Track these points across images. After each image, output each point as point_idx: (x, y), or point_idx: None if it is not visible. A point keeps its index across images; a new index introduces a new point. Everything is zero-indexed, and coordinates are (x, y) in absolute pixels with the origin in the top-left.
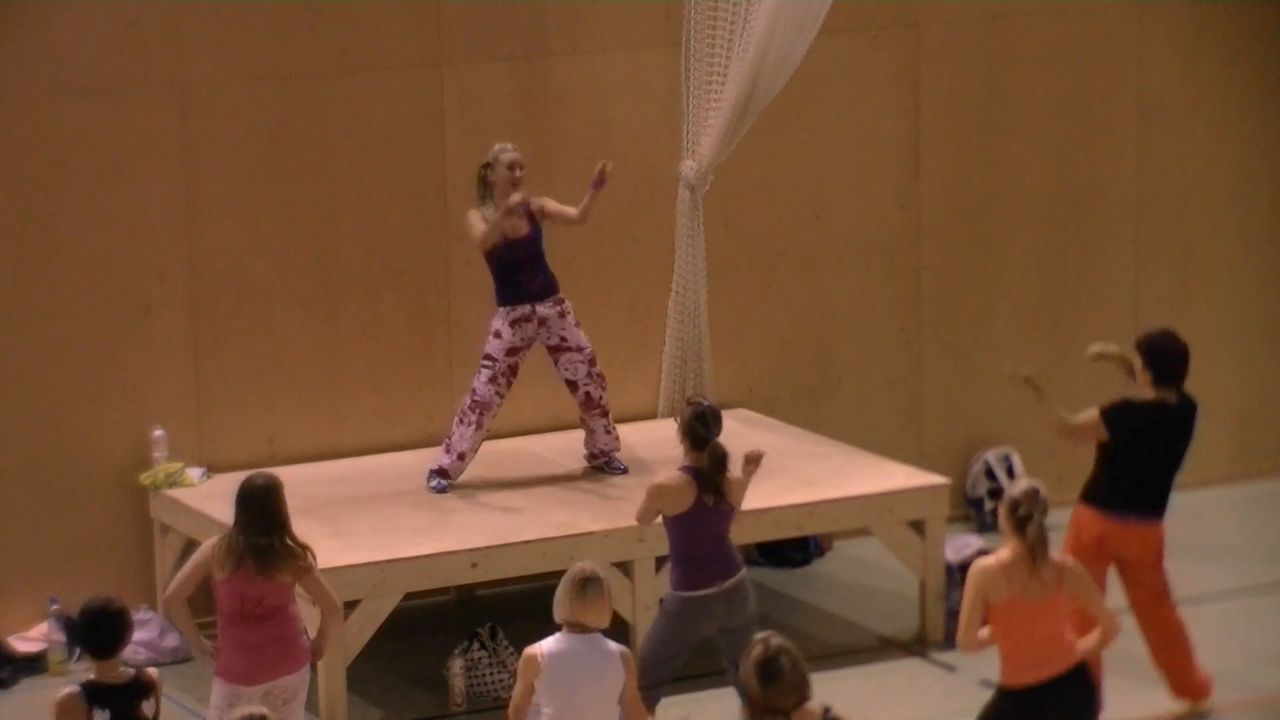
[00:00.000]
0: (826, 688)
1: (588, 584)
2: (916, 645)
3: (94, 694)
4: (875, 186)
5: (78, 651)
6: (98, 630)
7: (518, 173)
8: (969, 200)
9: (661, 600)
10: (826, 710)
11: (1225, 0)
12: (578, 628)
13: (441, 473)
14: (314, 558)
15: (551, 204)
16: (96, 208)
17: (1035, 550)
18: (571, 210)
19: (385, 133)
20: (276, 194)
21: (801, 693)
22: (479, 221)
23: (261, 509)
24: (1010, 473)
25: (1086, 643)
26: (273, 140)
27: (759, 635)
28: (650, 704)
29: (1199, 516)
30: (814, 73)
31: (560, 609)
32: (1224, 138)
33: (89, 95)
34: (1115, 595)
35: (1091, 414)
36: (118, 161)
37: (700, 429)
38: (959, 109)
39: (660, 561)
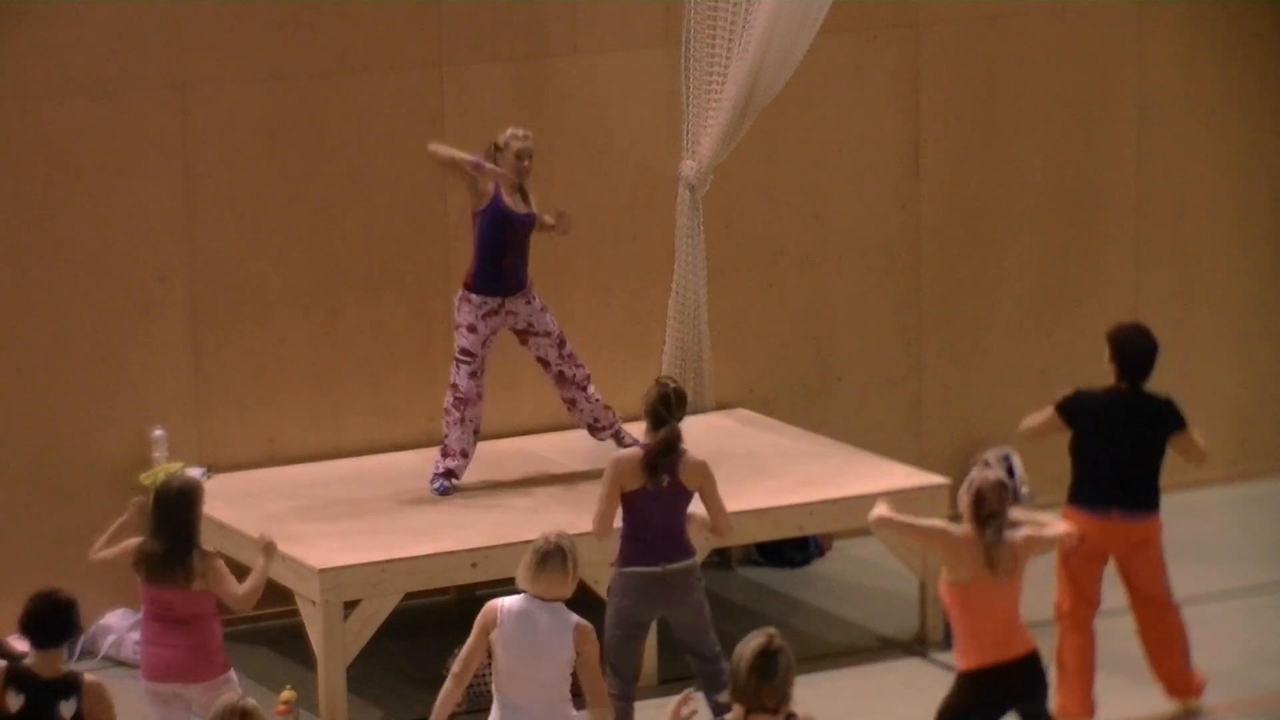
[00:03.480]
0: (826, 688)
1: (548, 558)
2: (916, 645)
3: (15, 677)
4: (875, 186)
5: (78, 650)
6: (36, 619)
7: (526, 163)
8: (969, 200)
9: (609, 586)
10: (789, 716)
11: (1225, 0)
12: (538, 597)
13: (447, 474)
14: (214, 565)
15: (548, 219)
16: (96, 208)
17: (991, 549)
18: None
19: (385, 133)
20: (276, 194)
21: (782, 698)
22: (472, 160)
23: (169, 516)
24: (1010, 473)
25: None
26: (273, 140)
27: (764, 629)
28: (622, 691)
29: (1199, 516)
30: (814, 73)
31: (520, 579)
32: (1224, 138)
33: (89, 95)
34: (1113, 596)
35: (1047, 409)
36: (118, 161)
37: (662, 411)
38: (959, 109)
39: None
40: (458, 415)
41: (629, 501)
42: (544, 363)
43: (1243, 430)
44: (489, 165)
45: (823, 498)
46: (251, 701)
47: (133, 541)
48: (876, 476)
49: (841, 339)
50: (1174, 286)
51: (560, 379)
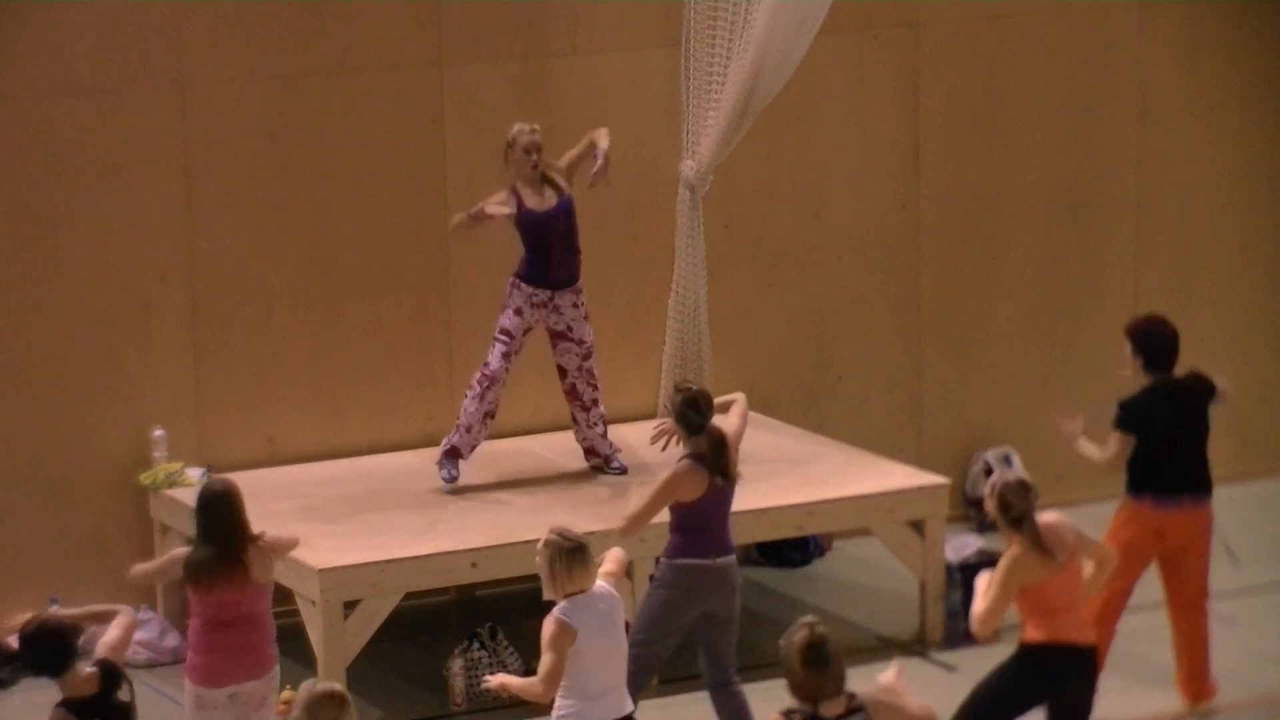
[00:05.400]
0: None
1: (576, 553)
2: (916, 645)
3: (78, 710)
4: (875, 186)
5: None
6: (40, 653)
7: (535, 157)
8: (969, 200)
9: (652, 576)
10: (851, 697)
11: (1225, 0)
12: (576, 594)
13: (452, 452)
14: (269, 540)
15: (569, 155)
16: (96, 208)
17: (1038, 541)
18: (586, 145)
19: (385, 133)
20: (276, 194)
21: (840, 681)
22: (489, 204)
23: (218, 520)
24: (1006, 468)
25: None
26: (273, 140)
27: (804, 619)
28: (636, 690)
29: None
30: (814, 73)
31: (554, 588)
32: (1224, 138)
33: (89, 95)
34: (1140, 592)
35: (1114, 438)
36: (118, 161)
37: (693, 415)
38: (959, 109)
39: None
40: (479, 390)
41: (688, 507)
42: (562, 370)
43: (1243, 430)
44: (488, 209)
45: (823, 498)
46: (341, 688)
47: (179, 553)
48: (876, 476)
49: (841, 339)
50: (1174, 287)
51: (571, 392)
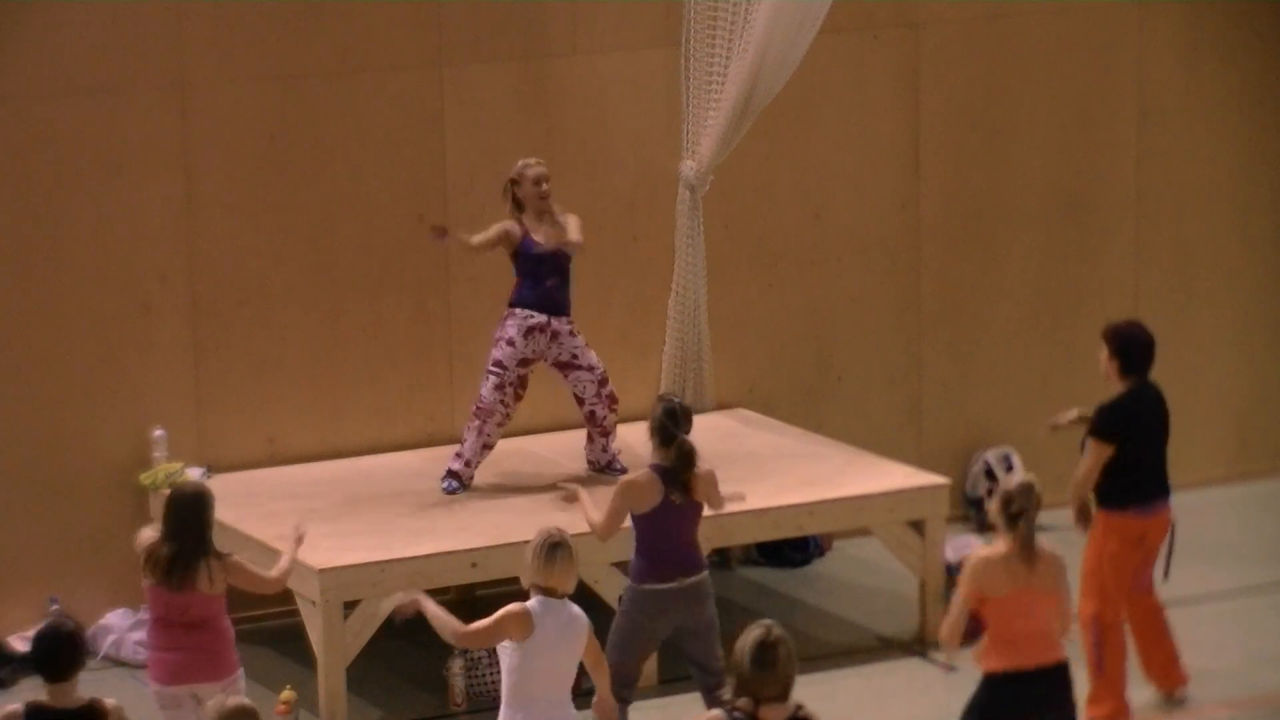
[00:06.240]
0: (826, 688)
1: (557, 549)
2: (916, 645)
3: (35, 716)
4: (875, 186)
5: None
6: (47, 654)
7: (544, 187)
8: (969, 200)
9: (620, 597)
10: (798, 708)
11: (1225, 0)
12: (546, 592)
13: (453, 475)
14: (233, 562)
15: (571, 226)
16: (96, 208)
17: (1026, 546)
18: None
19: (385, 133)
20: (276, 194)
21: (786, 687)
22: (496, 229)
23: (185, 520)
24: (1010, 472)
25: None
26: (273, 140)
27: (762, 621)
28: (617, 694)
29: (1199, 516)
30: (814, 73)
31: (529, 573)
32: (1224, 138)
33: (89, 95)
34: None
35: (1091, 449)
36: (118, 161)
37: (670, 426)
38: (959, 109)
39: None
40: (476, 424)
41: (644, 520)
42: (579, 399)
43: (1243, 430)
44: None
45: (823, 498)
46: (250, 703)
47: (145, 537)
48: (876, 476)
49: (841, 339)
50: (1174, 287)
51: (590, 418)
